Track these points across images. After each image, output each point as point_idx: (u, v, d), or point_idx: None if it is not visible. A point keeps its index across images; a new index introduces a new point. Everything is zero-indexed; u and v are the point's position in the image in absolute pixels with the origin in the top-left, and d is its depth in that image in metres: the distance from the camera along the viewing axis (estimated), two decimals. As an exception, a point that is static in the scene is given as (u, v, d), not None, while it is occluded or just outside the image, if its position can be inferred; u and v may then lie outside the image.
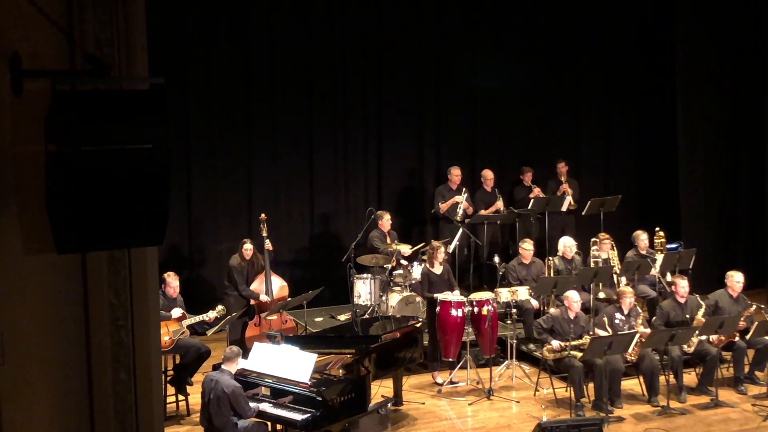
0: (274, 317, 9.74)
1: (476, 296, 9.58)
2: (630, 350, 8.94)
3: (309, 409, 7.25)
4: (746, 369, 9.41)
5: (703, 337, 9.09)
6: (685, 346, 9.08)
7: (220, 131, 11.38)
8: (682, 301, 9.43)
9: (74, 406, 4.11)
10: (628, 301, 9.25)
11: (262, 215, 10.21)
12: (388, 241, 10.89)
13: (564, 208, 11.99)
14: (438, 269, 9.73)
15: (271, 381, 7.57)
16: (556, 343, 8.89)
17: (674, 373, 9.11)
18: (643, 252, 10.92)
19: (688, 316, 9.37)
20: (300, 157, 11.80)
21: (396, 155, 12.36)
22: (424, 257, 10.10)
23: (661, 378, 9.07)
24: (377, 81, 12.16)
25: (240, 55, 11.41)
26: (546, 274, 10.54)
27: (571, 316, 9.04)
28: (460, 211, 11.43)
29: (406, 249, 10.80)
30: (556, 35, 12.85)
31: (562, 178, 12.22)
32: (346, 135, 12.07)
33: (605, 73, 13.25)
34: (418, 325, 8.93)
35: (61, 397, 4.07)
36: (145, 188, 3.59)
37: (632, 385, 9.28)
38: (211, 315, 8.84)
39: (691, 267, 10.74)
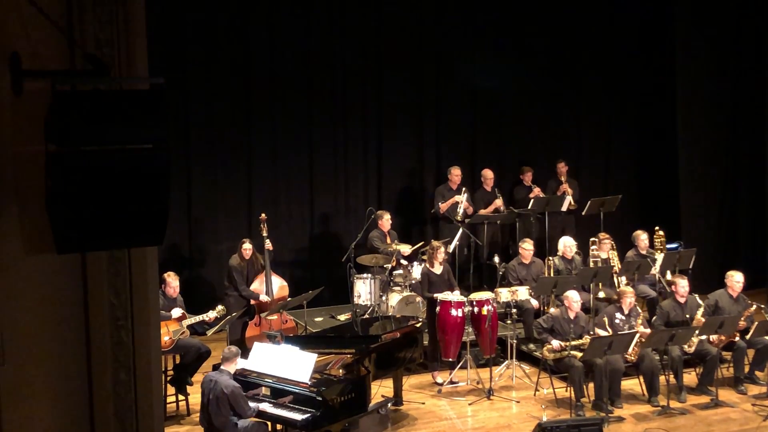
0: (274, 317, 9.74)
1: (476, 296, 9.58)
2: (630, 350, 8.94)
3: (309, 409, 7.25)
4: (746, 369, 9.41)
5: (703, 337, 9.09)
6: (685, 346, 9.08)
7: (220, 131, 11.38)
8: (682, 301, 9.43)
9: (74, 406, 4.11)
10: (629, 301, 9.25)
11: (263, 215, 10.21)
12: (388, 241, 10.89)
13: (564, 208, 11.99)
14: (438, 269, 9.73)
15: (271, 381, 7.57)
16: (556, 343, 8.89)
17: (674, 373, 9.11)
18: (643, 252, 10.92)
19: (688, 316, 9.37)
20: (300, 157, 11.80)
21: (396, 155, 12.36)
22: (424, 257, 10.10)
23: (661, 378, 9.07)
24: (377, 81, 12.16)
25: (240, 55, 11.42)
26: (546, 274, 10.54)
27: (571, 316, 9.04)
28: (461, 211, 11.44)
29: (406, 249, 10.80)
30: (557, 35, 12.85)
31: (562, 178, 12.22)
32: (346, 135, 12.07)
33: (605, 73, 13.25)
34: (418, 325, 8.92)
35: (61, 397, 4.07)
36: (145, 188, 3.59)
37: (632, 385, 9.28)
38: (211, 315, 8.84)
39: (691, 267, 10.74)
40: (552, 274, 10.51)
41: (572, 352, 8.81)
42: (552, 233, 11.73)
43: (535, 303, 10.21)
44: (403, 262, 10.65)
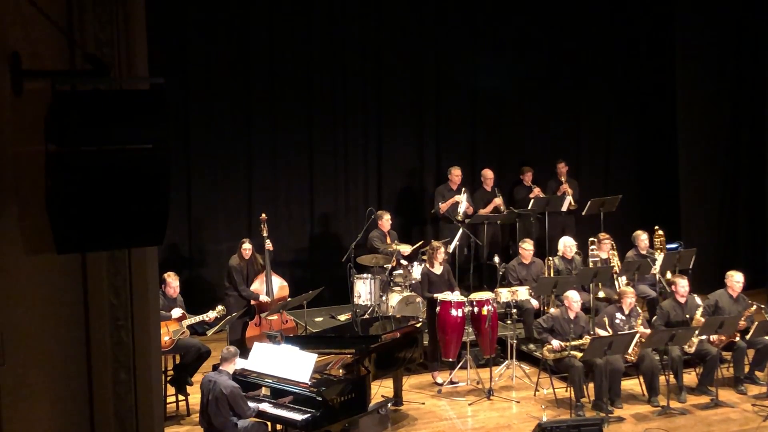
0: (274, 317, 9.74)
1: (476, 296, 9.58)
2: (630, 350, 8.94)
3: (309, 409, 7.25)
4: (746, 369, 9.41)
5: (703, 337, 9.08)
6: (685, 346, 9.08)
7: (220, 131, 11.38)
8: (682, 301, 9.43)
9: (74, 406, 4.11)
10: (629, 301, 9.25)
11: (263, 215, 10.21)
12: (388, 241, 10.89)
13: (564, 208, 11.99)
14: (438, 269, 9.73)
15: (271, 381, 7.57)
16: (556, 343, 8.89)
17: (674, 373, 9.11)
18: (644, 252, 10.92)
19: (688, 316, 9.37)
20: (300, 157, 11.80)
21: (396, 155, 12.36)
22: (424, 257, 10.10)
23: (661, 378, 9.07)
24: (377, 81, 12.16)
25: (240, 55, 11.42)
26: (546, 274, 10.53)
27: (571, 316, 9.04)
28: (461, 210, 11.43)
29: (406, 249, 10.80)
30: (557, 35, 12.86)
31: (562, 178, 12.22)
32: (346, 135, 12.07)
33: (605, 73, 13.25)
34: (418, 325, 8.92)
35: (61, 397, 4.07)
36: (145, 188, 3.59)
37: (632, 385, 9.28)
38: (211, 315, 8.84)
39: (691, 267, 10.73)
40: (552, 274, 10.51)
41: (572, 352, 8.81)
42: (552, 233, 11.73)
43: (535, 303, 10.21)
44: (403, 262, 10.65)
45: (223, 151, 11.46)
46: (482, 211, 11.72)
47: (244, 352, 8.18)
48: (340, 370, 7.76)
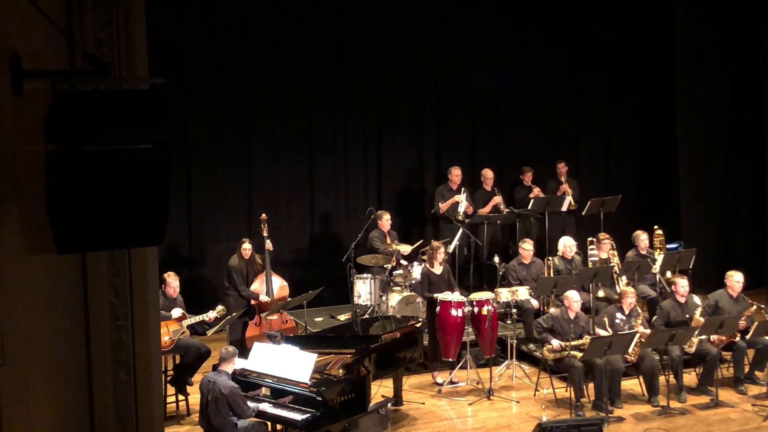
0: (274, 317, 9.74)
1: (476, 296, 9.58)
2: (630, 350, 8.94)
3: (309, 409, 7.25)
4: (746, 369, 9.41)
5: (703, 337, 9.08)
6: (685, 346, 9.08)
7: (220, 131, 11.38)
8: (682, 300, 9.43)
9: (74, 406, 4.11)
10: (630, 301, 9.25)
11: (263, 215, 10.21)
12: (388, 241, 10.89)
13: (564, 208, 11.99)
14: (438, 269, 9.73)
15: (271, 381, 7.57)
16: (556, 343, 8.89)
17: (674, 373, 9.11)
18: (644, 252, 10.92)
19: (688, 316, 9.37)
20: (300, 157, 11.81)
21: (396, 155, 12.36)
22: (424, 257, 10.10)
23: (661, 378, 9.07)
24: (377, 81, 12.16)
25: (240, 55, 11.42)
26: (546, 274, 10.53)
27: (571, 316, 9.04)
28: (462, 210, 11.44)
29: (406, 249, 10.81)
30: (557, 35, 12.85)
31: (562, 178, 12.22)
32: (346, 135, 12.07)
33: (605, 73, 13.24)
34: (418, 325, 8.92)
35: (61, 397, 4.07)
36: (145, 188, 3.58)
37: (632, 385, 9.28)
38: (211, 315, 8.84)
39: (691, 267, 10.73)
40: (552, 274, 10.51)
41: (572, 352, 8.81)
42: (552, 233, 11.73)
43: (535, 303, 10.21)
44: (403, 262, 10.65)
45: (223, 151, 11.46)
46: (482, 211, 11.72)
47: (244, 352, 8.19)
48: (340, 370, 7.76)
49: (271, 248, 10.11)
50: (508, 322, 9.95)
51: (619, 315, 9.23)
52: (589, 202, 11.81)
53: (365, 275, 10.48)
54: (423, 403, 9.06)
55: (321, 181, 11.95)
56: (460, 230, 11.17)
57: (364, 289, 10.41)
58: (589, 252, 11.01)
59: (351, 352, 8.02)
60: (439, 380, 9.58)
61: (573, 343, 8.87)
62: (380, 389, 8.81)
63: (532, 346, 10.05)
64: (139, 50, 4.06)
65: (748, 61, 13.10)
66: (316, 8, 11.72)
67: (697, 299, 9.58)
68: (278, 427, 7.78)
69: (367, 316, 10.21)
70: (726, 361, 9.54)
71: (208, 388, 7.27)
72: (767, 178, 12.99)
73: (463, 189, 11.58)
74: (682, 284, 9.46)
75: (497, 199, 11.82)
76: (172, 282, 8.91)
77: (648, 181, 13.55)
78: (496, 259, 10.77)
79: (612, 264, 10.78)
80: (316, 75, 11.80)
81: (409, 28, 12.26)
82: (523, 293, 9.84)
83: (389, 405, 8.74)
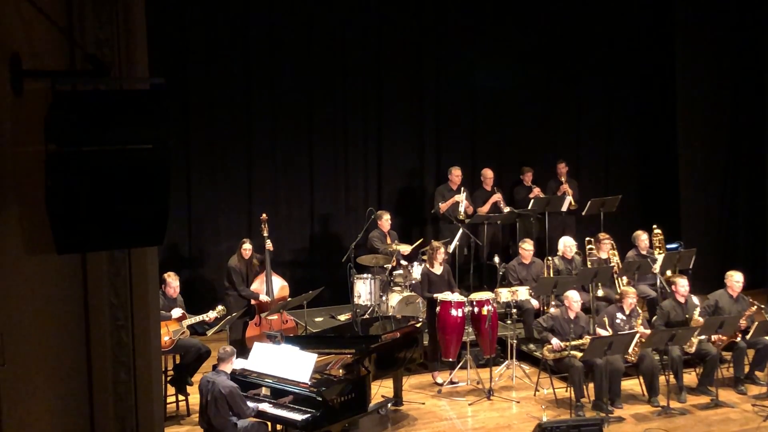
0: (274, 317, 9.74)
1: (476, 296, 9.58)
2: (630, 350, 8.94)
3: (309, 409, 7.24)
4: (746, 369, 9.40)
5: (703, 337, 9.08)
6: (685, 346, 9.08)
7: (220, 131, 11.39)
8: (682, 300, 9.43)
9: (74, 406, 4.11)
10: (630, 301, 9.25)
11: (263, 215, 10.21)
12: (388, 241, 10.89)
13: (564, 209, 11.99)
14: (438, 269, 9.73)
15: (271, 381, 7.57)
16: (556, 342, 8.89)
17: (674, 373, 9.11)
18: (644, 252, 10.91)
19: (687, 316, 9.37)
20: (300, 157, 11.80)
21: (396, 155, 12.36)
22: (424, 257, 10.10)
23: (661, 378, 9.07)
24: (377, 81, 12.16)
25: (240, 55, 11.42)
26: (546, 274, 10.53)
27: (572, 316, 9.04)
28: (462, 210, 11.44)
29: (406, 249, 10.81)
30: (556, 35, 12.86)
31: (562, 179, 12.22)
32: (346, 135, 12.07)
33: (605, 73, 13.25)
34: (418, 325, 8.92)
35: (61, 397, 4.07)
36: (145, 188, 3.59)
37: (632, 385, 9.28)
38: (211, 315, 8.84)
39: (691, 267, 10.73)
40: (552, 274, 10.51)
41: (572, 352, 8.81)
42: (552, 233, 11.73)
43: (535, 303, 10.21)
44: (403, 262, 10.66)
45: (223, 151, 11.46)
46: (481, 210, 11.72)
47: (245, 352, 8.19)
48: (340, 370, 7.75)
49: (272, 248, 10.11)
50: (508, 322, 9.95)
51: (619, 315, 9.23)
52: (589, 202, 11.81)
53: (365, 275, 10.48)
54: (423, 404, 9.06)
55: (321, 181, 11.95)
56: (460, 230, 11.17)
57: (364, 289, 10.41)
58: (588, 252, 11.01)
59: (351, 352, 8.01)
60: (439, 380, 9.58)
61: (573, 343, 8.87)
62: (380, 389, 8.81)
63: (532, 346, 10.04)
64: (139, 50, 4.06)
65: (748, 61, 13.10)
66: (317, 8, 11.72)
67: (696, 299, 9.58)
68: (278, 427, 7.77)
69: (367, 316, 10.20)
70: (726, 361, 9.54)
71: (207, 389, 7.27)
72: (767, 178, 12.99)
73: (462, 188, 11.58)
74: (682, 284, 9.46)
75: (497, 196, 11.81)
76: (172, 282, 8.91)
77: (648, 181, 13.55)
78: (496, 259, 10.77)
79: (612, 264, 10.78)
80: (317, 75, 11.80)
81: (409, 28, 12.26)
82: (523, 293, 9.84)
83: (389, 405, 8.74)
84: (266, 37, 11.49)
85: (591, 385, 8.83)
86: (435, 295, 9.48)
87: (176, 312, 8.69)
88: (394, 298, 10.23)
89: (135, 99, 3.67)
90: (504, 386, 9.47)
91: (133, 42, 4.03)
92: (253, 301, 9.89)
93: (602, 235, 11.02)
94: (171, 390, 8.70)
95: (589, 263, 10.81)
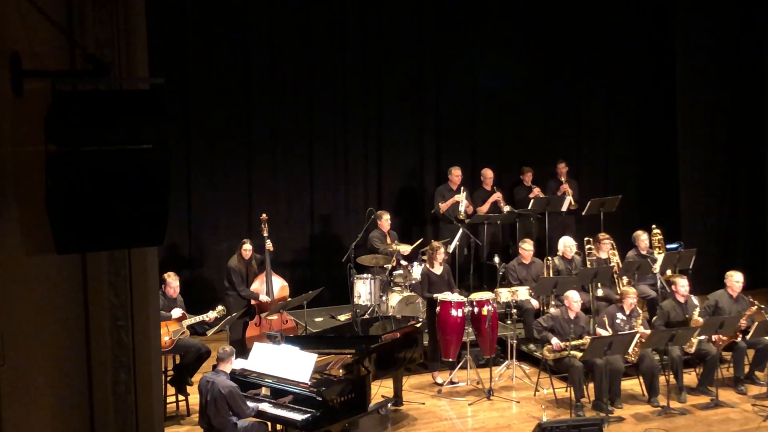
0: (274, 317, 9.74)
1: (476, 296, 9.57)
2: (630, 350, 8.93)
3: (309, 409, 7.24)
4: (746, 369, 9.40)
5: (703, 337, 9.08)
6: (685, 346, 9.08)
7: (220, 131, 11.38)
8: (682, 300, 9.43)
9: (74, 406, 4.11)
10: (631, 301, 9.24)
11: (263, 215, 10.21)
12: (388, 241, 10.89)
13: (564, 209, 11.98)
14: (438, 269, 9.73)
15: (271, 381, 7.56)
16: (555, 341, 8.89)
17: (674, 373, 9.10)
18: (644, 252, 10.91)
19: (687, 316, 9.37)
20: (300, 158, 11.80)
21: (396, 155, 12.36)
22: (424, 257, 10.10)
23: (661, 378, 9.07)
24: (377, 81, 12.15)
25: (240, 55, 11.42)
26: (546, 274, 10.53)
27: (572, 316, 9.04)
28: (462, 209, 11.44)
29: (406, 249, 10.80)
30: (557, 35, 12.85)
31: (562, 179, 12.21)
32: (346, 135, 12.06)
33: (605, 73, 13.24)
34: (418, 325, 8.92)
35: (61, 397, 4.07)
36: (145, 188, 3.59)
37: (632, 385, 9.28)
38: (211, 315, 8.84)
39: (691, 267, 10.73)
40: (552, 274, 10.50)
41: (572, 352, 8.80)
42: (552, 233, 11.73)
43: (535, 303, 10.21)
44: (403, 262, 10.65)
45: (223, 151, 11.45)
46: (481, 209, 11.72)
47: (245, 352, 8.18)
48: (340, 370, 7.75)
49: (272, 248, 10.11)
50: (508, 322, 9.95)
51: (619, 315, 9.23)
52: (589, 203, 11.81)
53: (365, 275, 10.48)
54: (423, 404, 9.06)
55: (321, 181, 11.95)
56: (460, 230, 11.16)
57: (364, 290, 10.41)
58: (587, 252, 11.01)
59: (351, 352, 8.01)
60: (439, 380, 9.58)
61: (573, 343, 8.87)
62: (380, 389, 8.80)
63: (532, 346, 10.04)
64: (139, 50, 4.07)
65: (748, 61, 13.09)
66: (316, 8, 11.71)
67: (695, 300, 9.57)
68: (278, 427, 7.77)
69: (367, 316, 10.20)
70: (726, 361, 9.54)
71: (206, 389, 7.27)
72: (767, 178, 12.99)
73: (462, 188, 11.58)
74: (682, 284, 9.46)
75: (497, 195, 11.80)
76: (172, 282, 8.91)
77: (648, 181, 13.54)
78: (496, 259, 10.76)
79: (612, 264, 10.78)
80: (317, 75, 11.79)
81: (409, 28, 12.25)
82: (523, 293, 9.84)
83: (389, 405, 8.74)
84: (266, 37, 11.48)
85: (591, 385, 8.82)
86: (435, 295, 9.48)
87: (176, 312, 8.69)
88: (394, 298, 10.23)
89: (135, 99, 3.67)
90: (504, 386, 9.47)
91: (133, 42, 4.03)
92: (253, 302, 9.89)
93: (602, 235, 11.02)
94: (171, 390, 8.70)
95: (588, 263, 10.81)
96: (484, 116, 12.81)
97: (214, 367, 7.53)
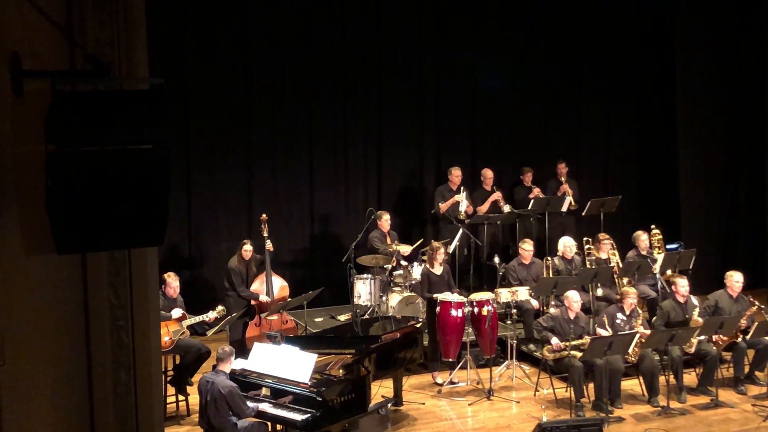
0: (274, 317, 9.74)
1: (476, 296, 9.57)
2: (630, 350, 8.93)
3: (309, 410, 7.24)
4: (746, 369, 9.40)
5: (703, 337, 9.08)
6: (685, 346, 9.08)
7: (220, 131, 11.38)
8: (682, 300, 9.43)
9: (74, 406, 4.11)
10: (631, 301, 9.24)
11: (263, 215, 10.21)
12: (388, 241, 10.89)
13: (564, 209, 11.98)
14: (438, 270, 9.73)
15: (271, 381, 7.56)
16: (555, 341, 8.89)
17: (674, 374, 9.11)
18: (644, 252, 10.91)
19: (687, 316, 9.37)
20: (300, 158, 11.80)
21: (396, 155, 12.36)
22: (424, 258, 10.10)
23: (661, 378, 9.07)
24: (377, 81, 12.16)
25: (240, 55, 11.42)
26: (546, 275, 10.53)
27: (572, 316, 9.04)
28: (463, 209, 11.43)
29: (406, 249, 10.80)
30: (557, 35, 12.85)
31: (562, 179, 12.21)
32: (346, 135, 12.07)
33: (605, 73, 13.25)
34: (418, 325, 8.92)
35: (61, 397, 4.07)
36: (145, 188, 3.59)
37: (632, 385, 9.28)
38: (211, 315, 8.84)
39: (691, 267, 10.73)
40: (552, 275, 10.50)
41: (572, 352, 8.80)
42: (552, 234, 11.73)
43: (535, 303, 10.21)
44: (403, 262, 10.65)
45: (223, 151, 11.46)
46: (481, 209, 11.72)
47: (245, 353, 8.18)
48: (340, 371, 7.75)
49: (272, 248, 10.11)
50: (508, 322, 9.95)
51: (619, 315, 9.23)
52: (589, 203, 11.80)
53: (365, 275, 10.48)
54: (423, 404, 9.06)
55: (321, 181, 11.95)
56: (460, 231, 11.16)
57: (364, 290, 10.41)
58: (586, 252, 11.01)
59: (351, 352, 8.01)
60: (439, 380, 9.58)
61: (573, 343, 8.87)
62: (380, 389, 8.81)
63: (532, 346, 10.04)
64: (139, 50, 4.06)
65: (748, 61, 13.10)
66: (316, 8, 11.72)
67: (695, 300, 9.57)
68: (278, 427, 7.77)
69: (367, 316, 10.20)
70: (726, 362, 9.54)
71: (206, 389, 7.27)
72: (767, 178, 12.99)
73: (462, 188, 11.58)
74: (682, 284, 9.46)
75: (496, 195, 11.80)
76: (172, 282, 8.91)
77: (648, 181, 13.55)
78: (496, 259, 10.76)
79: (612, 264, 10.78)
80: (316, 75, 11.80)
81: (409, 28, 12.26)
82: (523, 293, 9.84)
83: (389, 405, 8.74)
84: (266, 37, 11.48)
85: (591, 385, 8.82)
86: (435, 296, 9.48)
87: (176, 312, 8.69)
88: (394, 299, 10.23)
89: (135, 99, 3.67)
90: (504, 386, 9.47)
91: (133, 42, 4.03)
92: (253, 302, 9.89)
93: (602, 236, 11.02)
94: (171, 390, 8.70)
95: (588, 263, 10.80)
96: (484, 116, 12.81)
97: (214, 367, 7.53)
